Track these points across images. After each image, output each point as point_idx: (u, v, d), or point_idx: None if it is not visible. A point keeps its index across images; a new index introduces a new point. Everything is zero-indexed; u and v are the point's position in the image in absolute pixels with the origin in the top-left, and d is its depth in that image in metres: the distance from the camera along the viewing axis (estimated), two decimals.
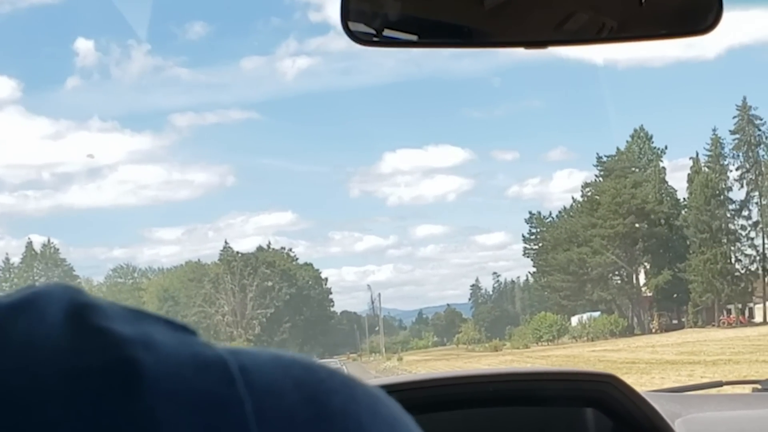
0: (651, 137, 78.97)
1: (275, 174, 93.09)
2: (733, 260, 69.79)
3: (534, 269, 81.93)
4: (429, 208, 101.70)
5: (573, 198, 79.44)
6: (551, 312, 74.87)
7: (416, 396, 2.66)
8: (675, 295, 72.48)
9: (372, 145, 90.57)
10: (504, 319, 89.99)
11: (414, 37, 1.75)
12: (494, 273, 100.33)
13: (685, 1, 1.75)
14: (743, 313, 69.60)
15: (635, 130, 79.04)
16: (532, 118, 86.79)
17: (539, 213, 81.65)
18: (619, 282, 75.48)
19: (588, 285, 74.93)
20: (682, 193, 77.04)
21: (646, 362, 40.57)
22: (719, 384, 3.98)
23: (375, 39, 1.70)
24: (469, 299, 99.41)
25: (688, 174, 76.31)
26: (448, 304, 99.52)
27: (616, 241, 72.61)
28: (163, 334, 0.46)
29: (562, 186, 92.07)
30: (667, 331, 69.92)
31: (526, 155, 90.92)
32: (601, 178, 76.70)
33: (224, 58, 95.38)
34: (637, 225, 72.14)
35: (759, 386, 3.68)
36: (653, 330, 72.05)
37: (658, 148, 78.89)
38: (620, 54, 74.96)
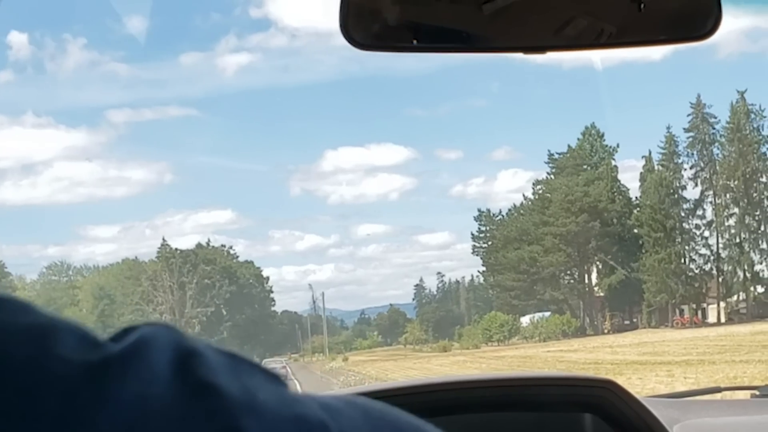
0: (603, 135, 77.35)
1: (214, 171, 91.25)
2: (687, 260, 68.14)
3: (483, 268, 79.71)
4: (371, 207, 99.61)
5: (524, 195, 77.67)
6: (501, 312, 72.60)
7: (412, 401, 2.65)
8: (624, 296, 70.72)
9: (313, 143, 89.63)
10: (449, 319, 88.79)
11: (413, 42, 1.76)
12: (438, 273, 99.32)
13: (685, 6, 1.75)
14: (697, 314, 67.99)
15: (586, 128, 77.41)
16: (477, 117, 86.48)
17: (488, 210, 79.73)
18: (571, 282, 73.56)
19: (539, 284, 73.03)
20: (634, 192, 75.55)
21: (610, 363, 38.72)
22: (718, 390, 4.07)
23: (374, 44, 1.73)
24: (413, 299, 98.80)
25: (641, 173, 74.91)
26: (390, 304, 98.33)
27: (569, 239, 70.63)
28: (264, 391, 0.46)
29: (507, 186, 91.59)
30: (620, 331, 68.17)
31: (471, 154, 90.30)
32: (552, 176, 74.85)
33: (163, 53, 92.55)
34: (589, 224, 70.19)
35: (757, 392, 3.64)
36: (605, 330, 70.20)
37: (610, 146, 77.17)
38: (564, 55, 72.76)
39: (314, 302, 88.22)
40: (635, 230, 71.87)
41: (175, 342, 0.47)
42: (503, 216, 78.60)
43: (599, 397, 2.74)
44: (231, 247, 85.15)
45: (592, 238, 70.99)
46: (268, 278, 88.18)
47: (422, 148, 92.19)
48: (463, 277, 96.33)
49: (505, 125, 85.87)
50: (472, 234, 79.05)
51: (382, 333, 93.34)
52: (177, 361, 0.45)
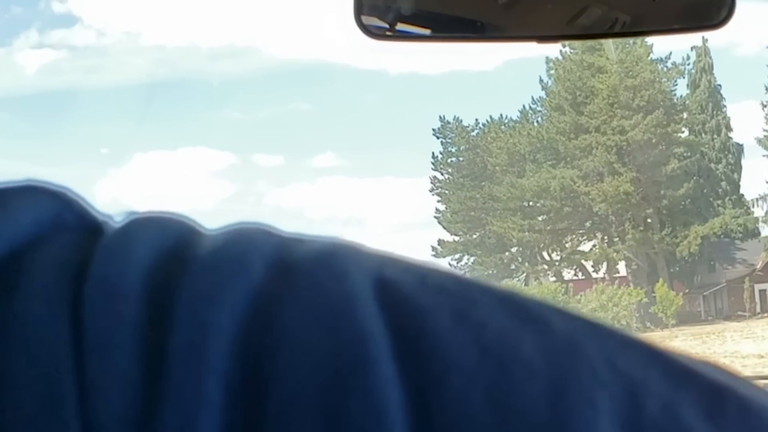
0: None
1: (12, 176, 73.56)
2: None
3: (439, 214, 46.30)
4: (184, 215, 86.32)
5: (540, 79, 44.67)
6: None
7: None
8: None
9: (122, 147, 76.57)
10: None
11: (427, 32, 1.79)
12: None
13: None
14: None
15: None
16: (299, 121, 76.41)
17: (458, 120, 46.46)
18: (633, 230, 41.44)
19: (568, 236, 41.05)
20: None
21: None
22: None
23: (388, 33, 1.73)
24: None
25: (691, 72, 44.52)
26: None
27: (632, 157, 39.12)
28: None
29: (329, 194, 78.20)
30: (729, 319, 37.62)
31: (291, 160, 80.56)
32: (573, 52, 42.64)
33: None
34: (667, 129, 38.97)
35: None
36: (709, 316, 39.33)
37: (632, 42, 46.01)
38: (391, 61, 61.75)
39: None
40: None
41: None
42: (481, 129, 45.89)
43: None
44: None
45: (674, 157, 39.74)
46: None
47: (240, 153, 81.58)
48: None
49: (330, 131, 76.47)
50: (433, 157, 46.00)
51: None
52: None
